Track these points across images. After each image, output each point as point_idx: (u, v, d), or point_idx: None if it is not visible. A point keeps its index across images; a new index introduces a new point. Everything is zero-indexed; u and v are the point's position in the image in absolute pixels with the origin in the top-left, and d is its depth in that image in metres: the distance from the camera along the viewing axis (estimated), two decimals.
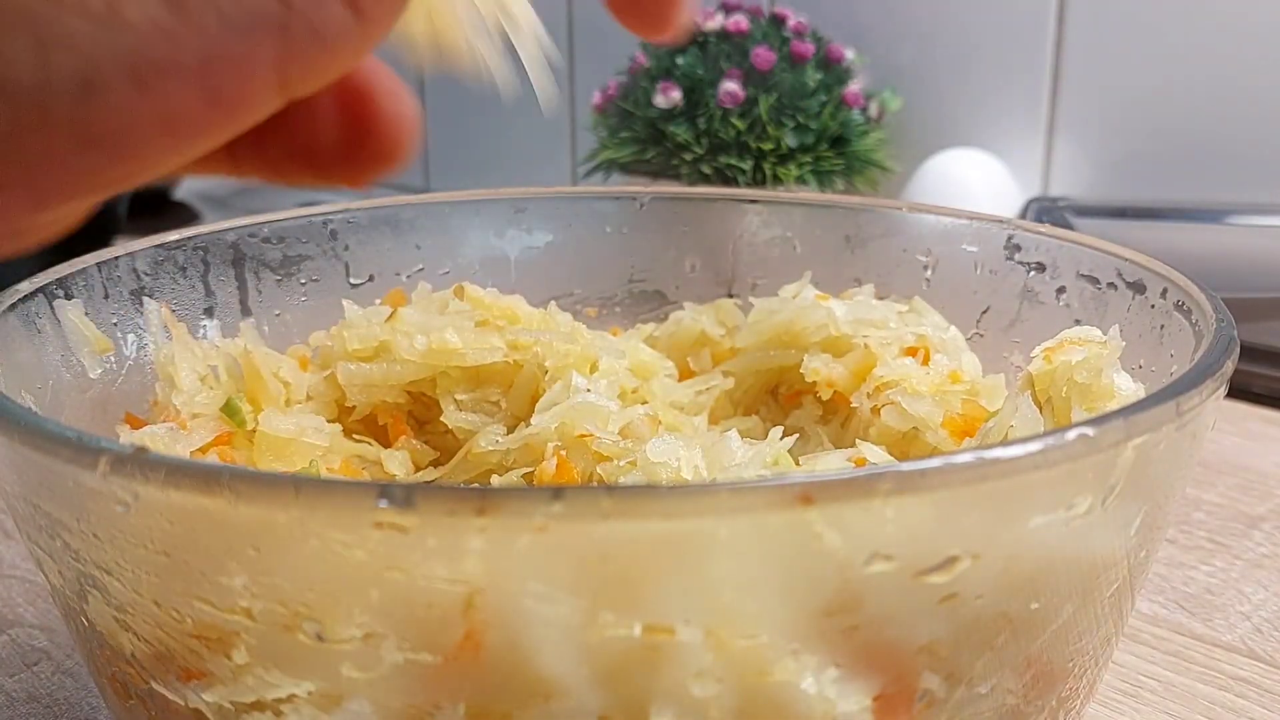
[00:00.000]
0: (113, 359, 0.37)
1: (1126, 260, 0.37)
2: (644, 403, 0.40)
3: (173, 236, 0.41)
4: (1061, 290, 0.39)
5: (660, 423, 0.36)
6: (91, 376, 0.36)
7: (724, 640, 0.22)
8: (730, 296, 0.47)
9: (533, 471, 0.36)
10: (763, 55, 0.79)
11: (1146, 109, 0.80)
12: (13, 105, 0.17)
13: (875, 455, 0.35)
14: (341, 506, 0.21)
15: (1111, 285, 0.37)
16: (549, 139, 1.11)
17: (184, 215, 1.17)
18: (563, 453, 0.35)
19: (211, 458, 0.35)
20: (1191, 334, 0.32)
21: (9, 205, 0.18)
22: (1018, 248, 0.41)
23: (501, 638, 0.22)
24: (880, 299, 0.43)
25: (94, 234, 0.82)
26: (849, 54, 0.84)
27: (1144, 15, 0.78)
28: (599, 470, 0.34)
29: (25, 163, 0.18)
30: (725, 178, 0.81)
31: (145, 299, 0.39)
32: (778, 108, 0.80)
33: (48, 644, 0.41)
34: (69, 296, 0.36)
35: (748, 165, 0.80)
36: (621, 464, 0.34)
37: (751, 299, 0.44)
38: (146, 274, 0.39)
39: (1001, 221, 0.42)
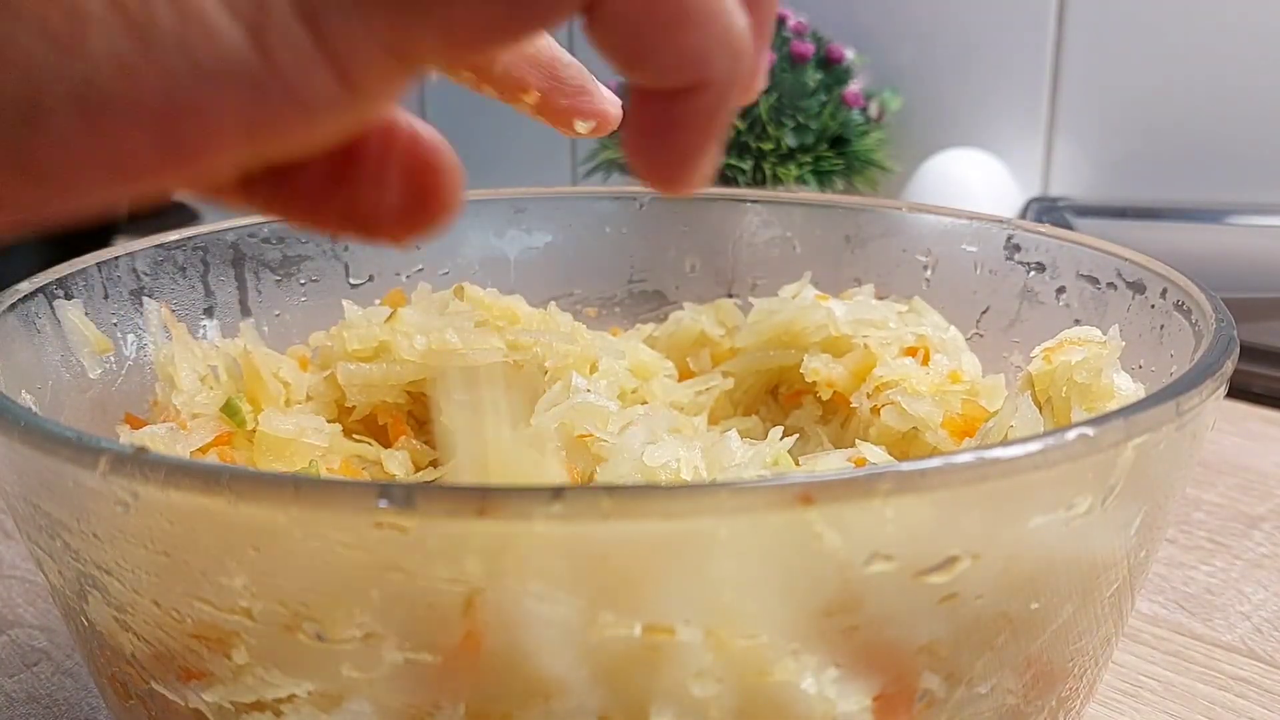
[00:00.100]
0: (113, 359, 0.37)
1: (1126, 260, 0.37)
2: (644, 403, 0.40)
3: (173, 236, 0.41)
4: (1061, 290, 0.39)
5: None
6: (91, 376, 0.36)
7: (724, 640, 0.22)
8: (730, 296, 0.47)
9: None
10: None
11: (1146, 109, 0.80)
12: None
13: (875, 455, 0.35)
14: (341, 506, 0.21)
15: (1111, 285, 0.37)
16: (549, 139, 1.11)
17: (184, 215, 1.17)
18: (562, 453, 0.35)
19: (211, 458, 0.35)
20: (1191, 334, 0.32)
21: None
22: (1018, 248, 0.41)
23: (502, 638, 0.22)
24: (880, 299, 0.43)
25: (94, 234, 0.82)
26: (849, 54, 0.84)
27: (1144, 15, 0.78)
28: (599, 471, 0.34)
29: None
30: (725, 178, 0.81)
31: (145, 299, 0.39)
32: (778, 108, 0.80)
33: (48, 644, 0.41)
34: (69, 296, 0.36)
35: (748, 165, 0.80)
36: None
37: (751, 299, 0.44)
38: (146, 274, 0.39)
39: (1001, 221, 0.42)
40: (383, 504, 0.20)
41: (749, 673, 0.22)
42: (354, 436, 0.39)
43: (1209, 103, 0.77)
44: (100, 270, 0.37)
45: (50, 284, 0.35)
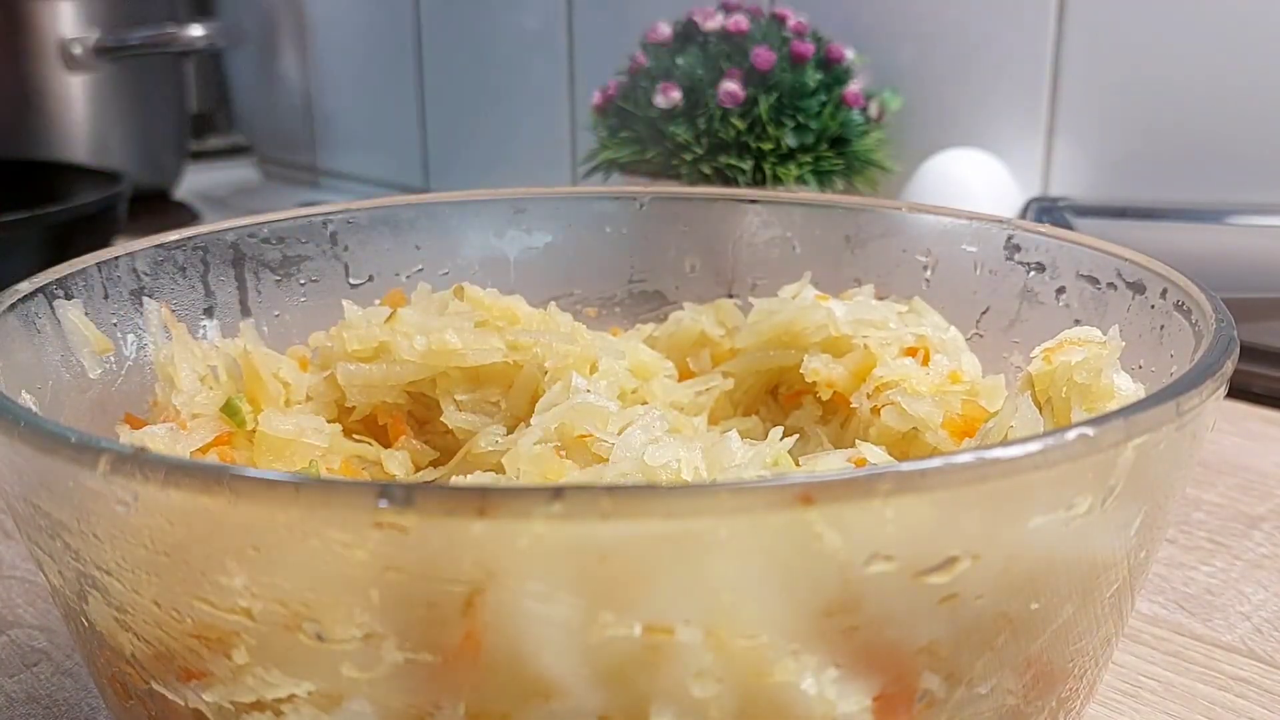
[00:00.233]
0: (113, 359, 0.37)
1: (1126, 260, 0.37)
2: (644, 403, 0.40)
3: (173, 236, 0.41)
4: (1061, 290, 0.39)
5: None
6: (91, 376, 0.36)
7: (724, 640, 0.22)
8: (730, 296, 0.47)
9: None
10: (763, 55, 0.79)
11: (1146, 109, 0.80)
12: None
13: (875, 455, 0.35)
14: (341, 506, 0.21)
15: (1111, 285, 0.37)
16: (549, 139, 1.11)
17: (184, 215, 1.17)
18: (562, 453, 0.35)
19: (211, 458, 0.35)
20: (1191, 334, 0.32)
21: None
22: (1018, 248, 0.41)
23: (501, 638, 0.22)
24: (880, 299, 0.43)
25: (94, 234, 0.82)
26: (849, 54, 0.84)
27: (1144, 15, 0.78)
28: (599, 471, 0.34)
29: None
30: (725, 178, 0.80)
31: (145, 299, 0.39)
32: (778, 108, 0.80)
33: (48, 644, 0.41)
34: (69, 296, 0.36)
35: (748, 165, 0.80)
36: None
37: (751, 299, 0.44)
38: (146, 274, 0.39)
39: (1001, 221, 0.42)
40: (383, 504, 0.20)
41: (749, 673, 0.22)
42: (354, 436, 0.39)
43: (1209, 103, 0.77)
44: (100, 270, 0.38)
45: (50, 284, 0.35)
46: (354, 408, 0.39)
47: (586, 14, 1.06)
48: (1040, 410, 0.34)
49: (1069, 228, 0.60)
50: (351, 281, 0.45)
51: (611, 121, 0.85)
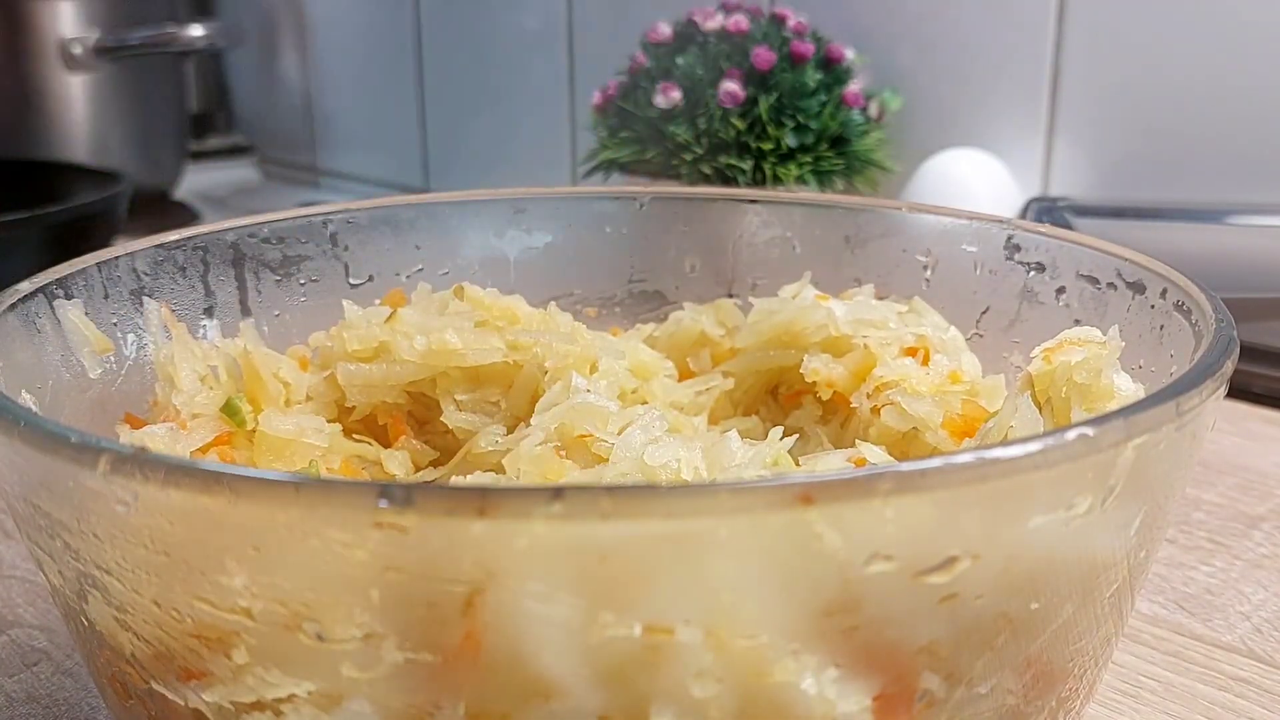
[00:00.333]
0: (113, 359, 0.37)
1: (1126, 260, 0.37)
2: (644, 403, 0.40)
3: (173, 236, 0.41)
4: (1061, 290, 0.39)
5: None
6: (91, 376, 0.36)
7: (724, 640, 0.22)
8: (730, 296, 0.47)
9: None
10: (763, 55, 0.79)
11: (1146, 109, 0.80)
12: None
13: (875, 455, 0.35)
14: (341, 506, 0.21)
15: (1111, 285, 0.37)
16: (549, 139, 1.11)
17: (184, 215, 1.17)
18: (562, 454, 0.35)
19: (211, 458, 0.35)
20: (1191, 334, 0.32)
21: None
22: (1018, 248, 0.41)
23: (501, 638, 0.22)
24: (880, 299, 0.43)
25: (94, 234, 0.82)
26: (849, 54, 0.84)
27: (1144, 16, 0.78)
28: (599, 471, 0.34)
29: None
30: (725, 178, 0.80)
31: (145, 299, 0.39)
32: (778, 108, 0.80)
33: (48, 644, 0.41)
34: (69, 296, 0.36)
35: (748, 165, 0.80)
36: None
37: (751, 299, 0.44)
38: (146, 274, 0.39)
39: (1001, 221, 0.42)
40: (383, 504, 0.20)
41: (749, 673, 0.22)
42: (354, 436, 0.39)
43: (1209, 103, 0.77)
44: (100, 270, 0.38)
45: (50, 284, 0.35)
46: (354, 408, 0.39)
47: (586, 14, 1.06)
48: (1040, 410, 0.34)
49: (1069, 228, 0.60)
50: (351, 281, 0.45)
51: (611, 121, 0.85)
